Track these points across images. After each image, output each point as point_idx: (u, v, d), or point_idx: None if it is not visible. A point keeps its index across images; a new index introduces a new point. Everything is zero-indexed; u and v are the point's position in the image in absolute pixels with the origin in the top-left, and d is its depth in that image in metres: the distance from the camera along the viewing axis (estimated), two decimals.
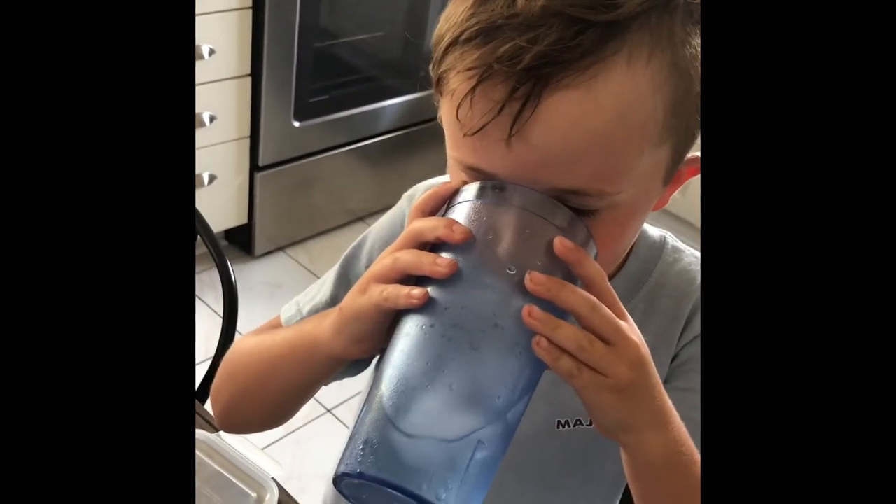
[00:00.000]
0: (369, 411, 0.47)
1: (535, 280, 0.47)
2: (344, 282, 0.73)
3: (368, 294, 0.51)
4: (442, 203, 0.53)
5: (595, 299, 0.49)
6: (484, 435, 0.46)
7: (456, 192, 0.52)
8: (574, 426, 0.70)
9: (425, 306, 0.48)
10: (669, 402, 0.54)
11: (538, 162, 0.49)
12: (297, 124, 2.19)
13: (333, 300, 0.72)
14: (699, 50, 0.51)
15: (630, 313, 0.65)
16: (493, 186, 0.51)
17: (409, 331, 0.48)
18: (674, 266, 0.68)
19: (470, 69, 0.49)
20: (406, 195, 0.75)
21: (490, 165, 0.51)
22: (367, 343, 0.55)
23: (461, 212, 0.50)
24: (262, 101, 2.08)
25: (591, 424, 0.69)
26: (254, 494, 0.72)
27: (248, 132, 2.13)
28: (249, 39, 2.00)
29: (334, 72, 2.30)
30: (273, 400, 0.67)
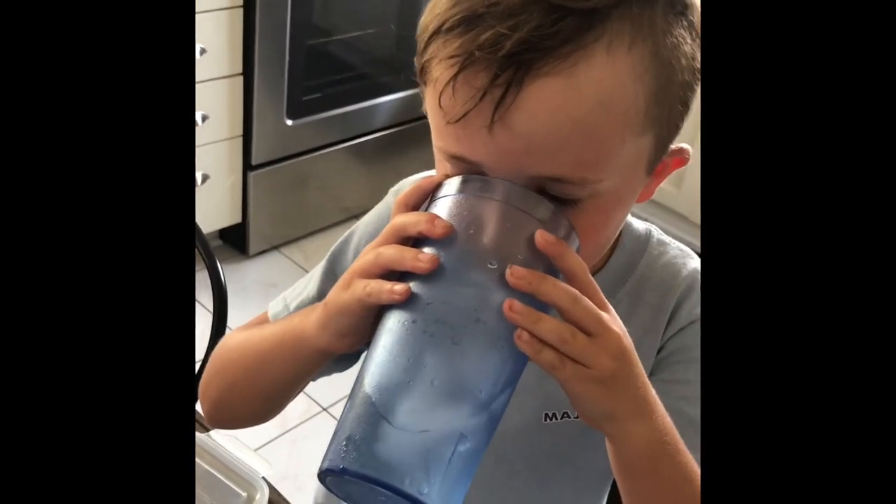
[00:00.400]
0: (352, 407, 0.47)
1: (515, 274, 0.47)
2: (331, 277, 0.73)
3: (352, 289, 0.51)
4: (425, 197, 0.53)
5: (576, 291, 0.49)
6: (466, 429, 0.46)
7: (439, 185, 0.52)
8: (562, 419, 0.70)
9: (408, 302, 0.48)
10: (653, 393, 0.54)
11: (521, 149, 0.49)
12: (290, 123, 2.19)
13: (320, 295, 0.72)
14: (680, 40, 0.51)
15: (616, 306, 0.65)
16: (474, 180, 0.51)
17: (392, 326, 0.48)
18: (659, 259, 0.68)
19: (452, 57, 0.49)
20: (392, 190, 0.75)
21: (473, 153, 0.51)
22: (352, 337, 0.55)
23: (443, 206, 0.50)
24: (255, 100, 2.08)
25: (578, 417, 0.69)
26: (244, 494, 0.72)
27: (240, 131, 2.12)
28: (241, 38, 2.00)
29: (327, 69, 2.30)
30: (261, 395, 0.68)
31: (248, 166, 2.18)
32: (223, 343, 0.72)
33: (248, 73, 2.05)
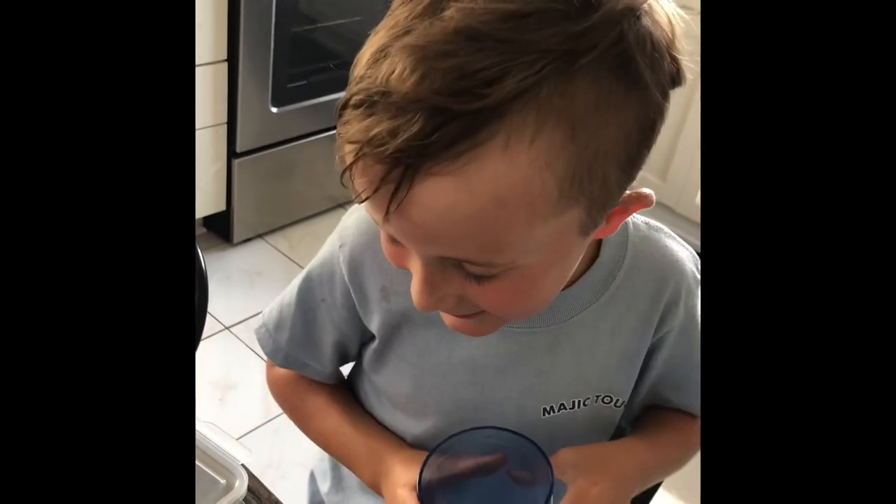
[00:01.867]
0: None
1: None
2: (305, 318, 0.77)
3: None
4: None
5: None
6: None
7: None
8: (559, 411, 0.72)
9: None
10: (640, 463, 0.62)
11: (420, 235, 0.50)
12: (274, 110, 2.18)
13: (307, 332, 0.77)
14: (614, 109, 0.48)
15: (609, 301, 0.68)
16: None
17: None
18: (642, 245, 0.70)
19: (350, 142, 0.48)
20: (336, 240, 0.73)
21: (384, 227, 0.52)
22: None
23: None
24: (239, 87, 2.07)
25: (574, 407, 0.72)
26: (223, 481, 0.72)
27: (225, 118, 2.11)
28: (225, 25, 1.99)
29: (312, 57, 2.29)
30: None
31: (232, 154, 2.17)
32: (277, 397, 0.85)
33: (232, 60, 2.03)
